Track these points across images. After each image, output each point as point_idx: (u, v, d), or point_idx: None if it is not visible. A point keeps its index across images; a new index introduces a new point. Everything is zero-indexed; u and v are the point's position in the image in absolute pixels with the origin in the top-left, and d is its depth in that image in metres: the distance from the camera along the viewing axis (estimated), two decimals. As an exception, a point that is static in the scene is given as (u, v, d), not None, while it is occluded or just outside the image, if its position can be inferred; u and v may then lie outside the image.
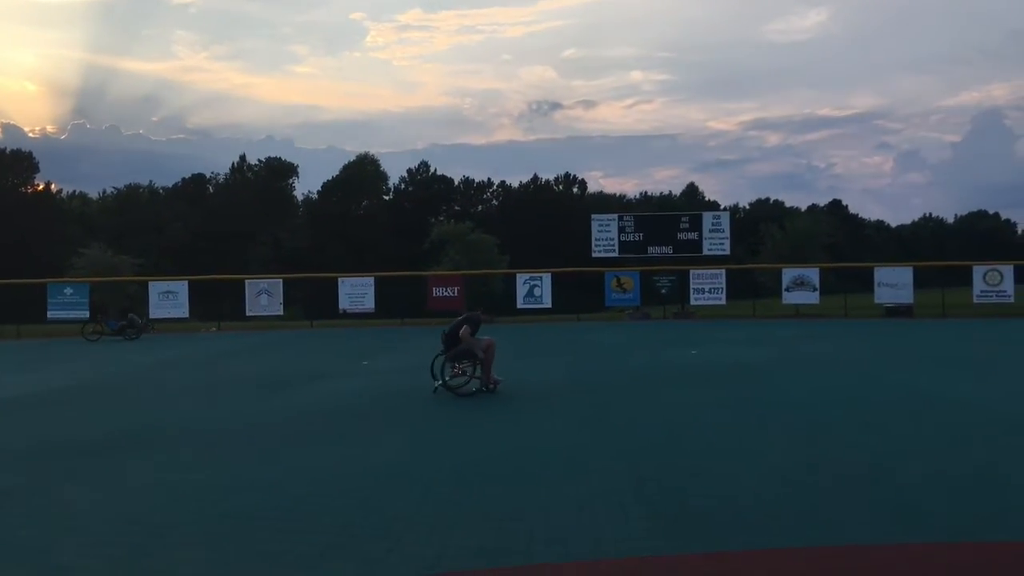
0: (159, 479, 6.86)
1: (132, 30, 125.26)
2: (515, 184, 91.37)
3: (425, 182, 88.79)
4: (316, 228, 77.97)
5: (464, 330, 11.52)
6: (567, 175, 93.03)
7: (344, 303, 33.93)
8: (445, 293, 34.95)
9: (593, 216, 38.47)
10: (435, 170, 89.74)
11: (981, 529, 5.13)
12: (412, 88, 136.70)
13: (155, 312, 32.24)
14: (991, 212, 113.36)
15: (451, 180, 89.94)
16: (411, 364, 15.46)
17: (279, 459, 7.57)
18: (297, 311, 37.68)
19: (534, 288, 34.74)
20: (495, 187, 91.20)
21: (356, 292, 34.17)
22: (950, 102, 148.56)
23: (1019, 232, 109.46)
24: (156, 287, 33.57)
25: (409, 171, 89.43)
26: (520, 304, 35.07)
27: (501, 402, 10.95)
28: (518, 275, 35.92)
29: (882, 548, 4.83)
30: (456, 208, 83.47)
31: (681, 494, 6.02)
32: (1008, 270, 32.26)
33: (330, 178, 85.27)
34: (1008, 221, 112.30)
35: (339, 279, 34.96)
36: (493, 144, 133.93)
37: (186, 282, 34.22)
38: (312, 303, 38.28)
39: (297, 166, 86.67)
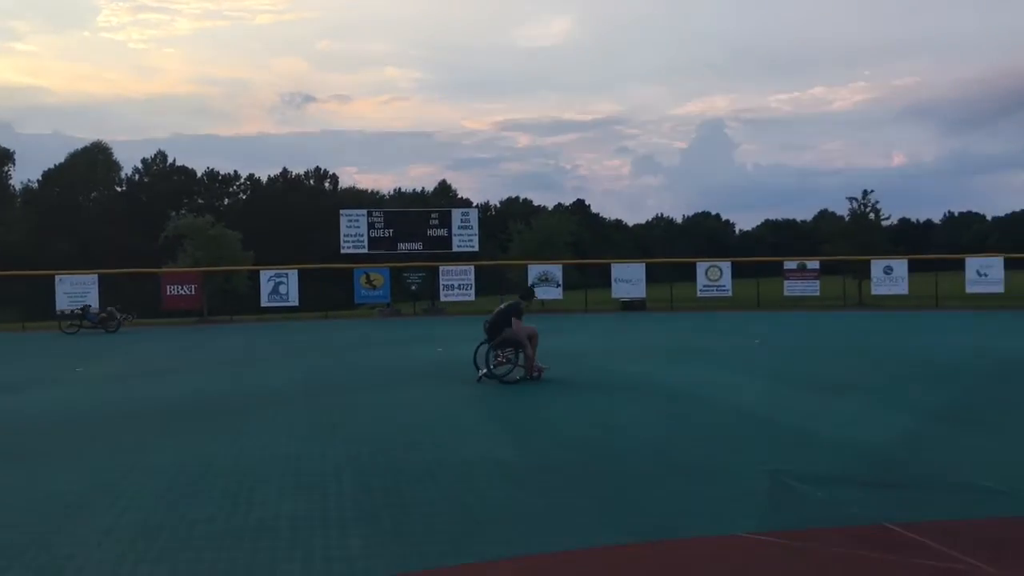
0: None
1: None
2: (264, 178, 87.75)
3: (164, 173, 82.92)
4: (35, 221, 70.31)
5: (515, 321, 11.62)
6: (318, 169, 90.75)
7: (62, 303, 30.64)
8: (181, 291, 32.60)
9: (342, 211, 37.55)
10: (174, 161, 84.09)
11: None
12: (151, 73, 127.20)
13: None
14: (714, 213, 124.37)
15: (193, 172, 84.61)
16: (129, 371, 13.98)
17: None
18: (11, 312, 33.62)
19: (279, 285, 33.31)
20: (242, 180, 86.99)
21: (77, 291, 30.99)
22: (679, 111, 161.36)
23: (737, 232, 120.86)
24: None
25: (144, 161, 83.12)
26: (265, 302, 33.53)
27: (233, 412, 10.03)
28: (262, 272, 34.34)
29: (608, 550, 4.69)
30: (200, 202, 78.68)
31: (412, 505, 5.60)
32: (727, 266, 35.21)
33: (52, 166, 77.35)
34: (728, 222, 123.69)
35: (56, 277, 31.57)
36: (242, 136, 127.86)
37: None
38: (30, 303, 34.31)
39: (13, 152, 77.65)
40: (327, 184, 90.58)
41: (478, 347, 12.04)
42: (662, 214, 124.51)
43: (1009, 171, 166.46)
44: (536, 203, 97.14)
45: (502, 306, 12.13)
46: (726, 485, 5.94)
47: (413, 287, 35.39)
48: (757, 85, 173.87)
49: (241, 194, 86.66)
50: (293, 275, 33.72)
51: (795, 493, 5.70)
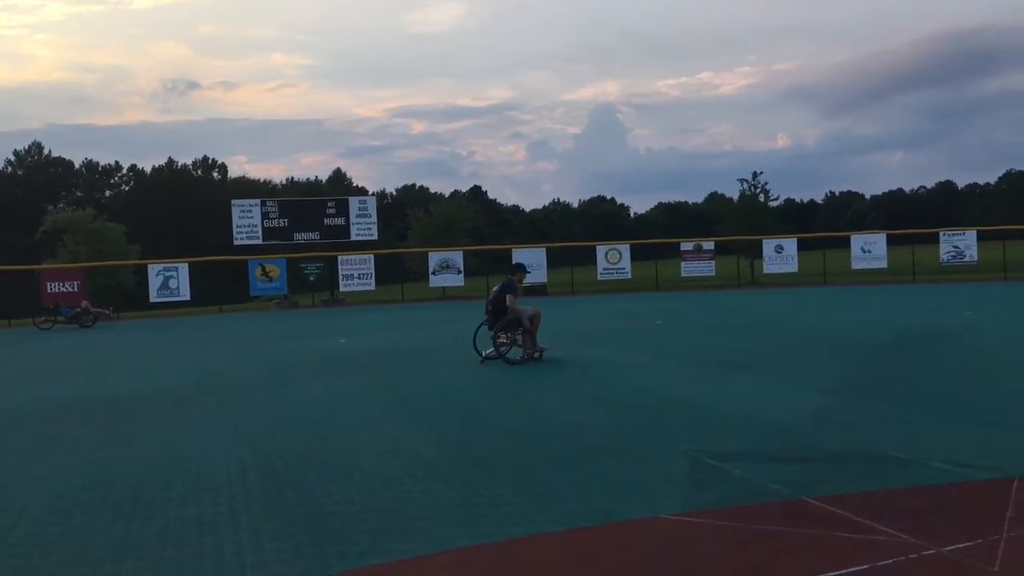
0: None
1: None
2: (148, 168, 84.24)
3: (39, 165, 78.67)
4: None
5: (509, 298, 11.60)
6: (206, 159, 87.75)
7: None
8: (63, 288, 30.93)
9: (234, 202, 36.35)
10: (50, 152, 79.85)
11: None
12: (22, 61, 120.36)
13: None
14: (608, 197, 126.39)
15: (71, 163, 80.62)
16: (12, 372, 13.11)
17: None
18: None
19: (169, 280, 32.02)
20: (125, 172, 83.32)
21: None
22: (572, 96, 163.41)
23: (632, 215, 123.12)
24: None
25: (17, 153, 78.65)
26: (154, 297, 32.18)
27: (125, 413, 9.47)
28: (150, 266, 32.96)
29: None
30: (79, 194, 74.96)
31: (327, 504, 5.35)
32: (625, 249, 35.72)
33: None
34: (623, 205, 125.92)
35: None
36: (123, 125, 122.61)
37: None
38: None
39: None
40: (216, 174, 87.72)
41: (477, 329, 11.95)
42: (558, 199, 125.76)
43: (884, 152, 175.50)
44: (433, 190, 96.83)
45: (496, 287, 12.19)
46: (647, 467, 5.90)
47: (311, 278, 34.58)
48: (647, 70, 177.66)
49: (124, 186, 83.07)
50: (183, 269, 32.44)
51: (714, 472, 5.71)
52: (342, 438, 7.36)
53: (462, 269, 34.46)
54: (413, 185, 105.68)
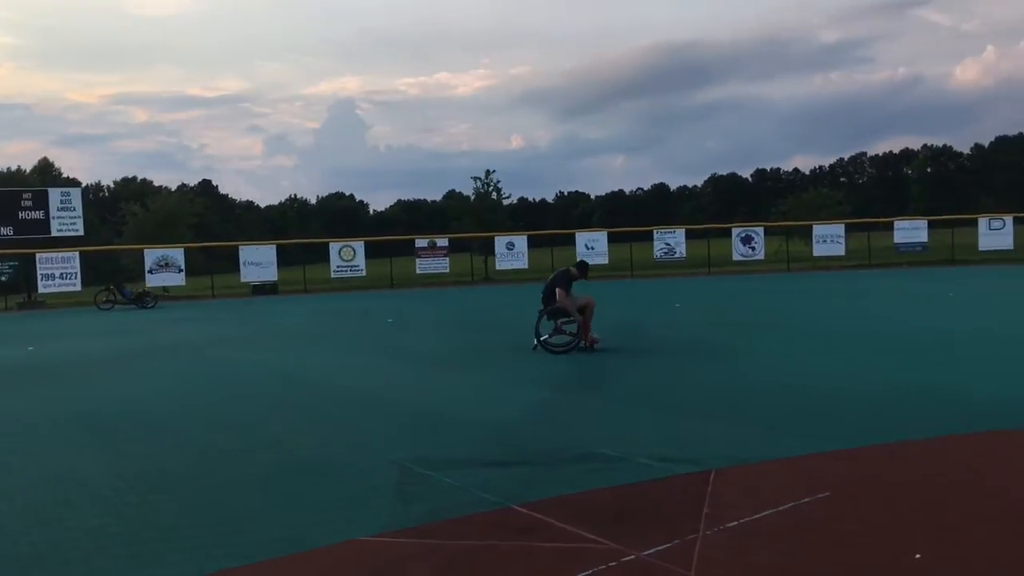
0: None
1: None
2: None
3: None
4: None
5: (559, 292, 11.30)
6: None
7: None
8: None
9: (-96, 191, 31.30)
10: None
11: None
12: None
13: None
14: (348, 193, 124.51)
15: None
16: None
17: None
18: None
19: None
20: None
21: None
22: (311, 91, 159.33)
23: (372, 212, 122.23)
24: None
25: None
26: None
27: None
28: None
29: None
30: None
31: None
32: (360, 246, 35.01)
33: None
34: (362, 203, 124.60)
35: None
36: None
37: None
38: None
39: None
40: None
41: (539, 319, 11.44)
42: (296, 195, 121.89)
43: (608, 155, 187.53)
44: (158, 183, 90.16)
45: (552, 275, 11.89)
46: (353, 481, 5.44)
47: (3, 278, 30.62)
48: (387, 68, 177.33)
49: None
50: None
51: (424, 482, 5.36)
52: (8, 461, 6.23)
53: (183, 267, 32.03)
54: (135, 178, 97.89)
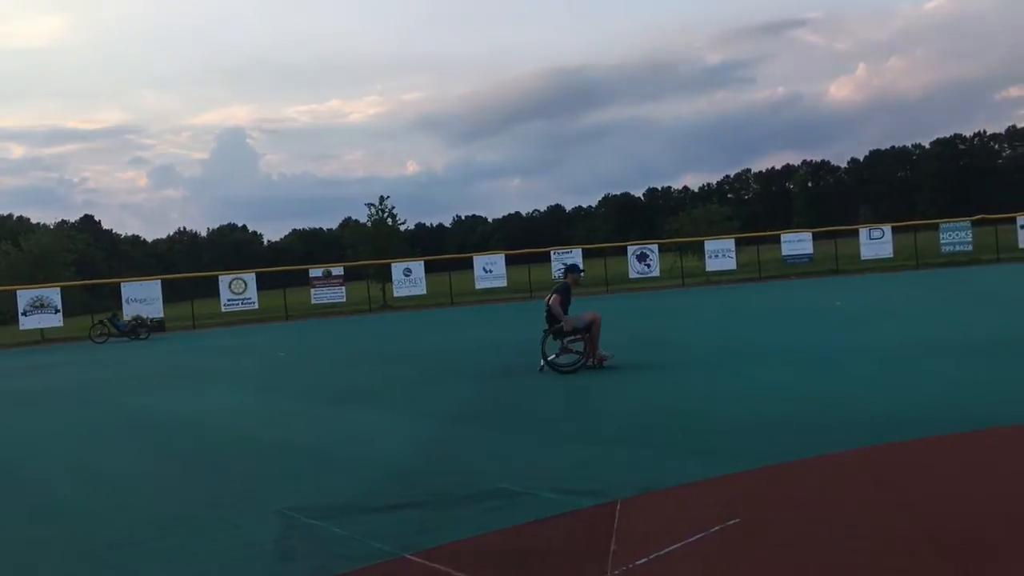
0: None
1: None
2: None
3: None
4: None
5: (554, 300, 10.89)
6: None
7: None
8: None
9: None
10: None
11: None
12: None
13: None
14: (240, 224, 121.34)
15: None
16: None
17: None
18: None
19: None
20: None
21: None
22: (197, 120, 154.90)
23: (266, 243, 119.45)
24: None
25: None
26: None
27: None
28: None
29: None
30: None
31: None
32: (251, 278, 33.88)
33: None
34: (256, 233, 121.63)
35: None
36: None
37: None
38: None
39: None
40: None
41: (544, 336, 10.98)
42: (185, 228, 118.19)
43: (504, 178, 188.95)
44: (35, 220, 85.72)
45: (551, 291, 11.37)
46: (229, 538, 4.92)
47: None
48: (276, 96, 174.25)
49: None
50: None
51: (309, 534, 4.89)
52: None
53: (60, 308, 30.25)
54: (11, 215, 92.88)
